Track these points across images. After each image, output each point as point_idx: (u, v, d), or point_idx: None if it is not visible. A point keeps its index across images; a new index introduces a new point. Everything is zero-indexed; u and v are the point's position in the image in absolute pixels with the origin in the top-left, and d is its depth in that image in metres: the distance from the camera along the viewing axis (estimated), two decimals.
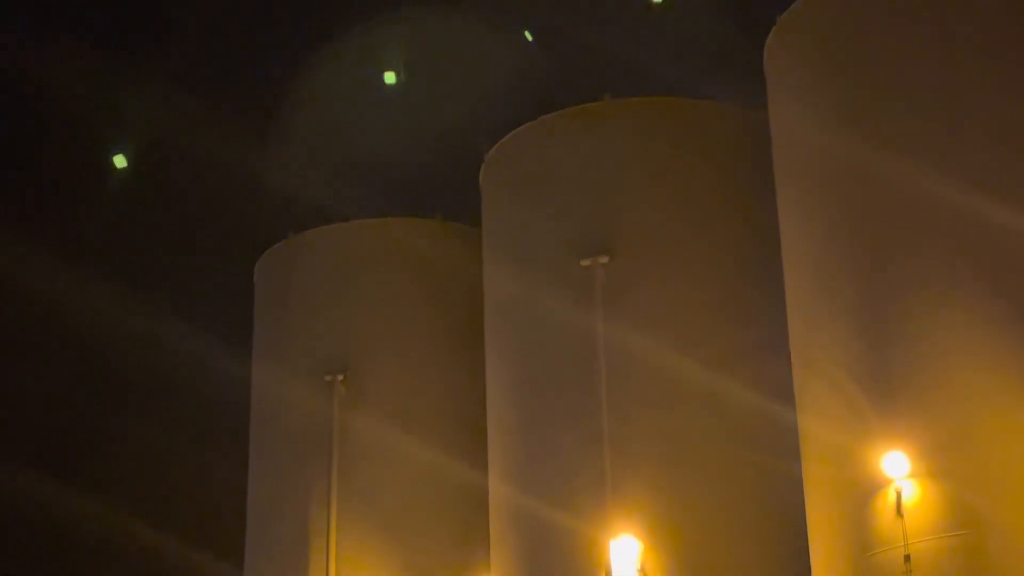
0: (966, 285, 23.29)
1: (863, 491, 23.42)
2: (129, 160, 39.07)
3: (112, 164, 39.00)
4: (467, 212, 32.70)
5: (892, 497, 23.08)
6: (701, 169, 28.96)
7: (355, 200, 34.43)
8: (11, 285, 37.71)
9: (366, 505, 31.14)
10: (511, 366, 29.49)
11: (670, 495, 26.92)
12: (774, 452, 26.95)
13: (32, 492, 37.03)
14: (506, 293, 30.02)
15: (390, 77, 32.83)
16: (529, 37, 28.73)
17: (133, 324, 38.13)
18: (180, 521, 36.92)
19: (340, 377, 31.79)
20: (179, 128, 38.47)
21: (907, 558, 22.69)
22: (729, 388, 27.32)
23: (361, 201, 34.45)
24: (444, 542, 31.19)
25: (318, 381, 31.95)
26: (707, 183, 28.91)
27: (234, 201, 39.52)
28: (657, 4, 35.59)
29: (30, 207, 41.77)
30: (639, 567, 26.46)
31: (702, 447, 27.28)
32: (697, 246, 28.50)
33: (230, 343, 35.79)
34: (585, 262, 28.15)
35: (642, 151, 29.03)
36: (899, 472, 23.02)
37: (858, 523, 23.43)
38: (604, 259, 28.06)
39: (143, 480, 38.62)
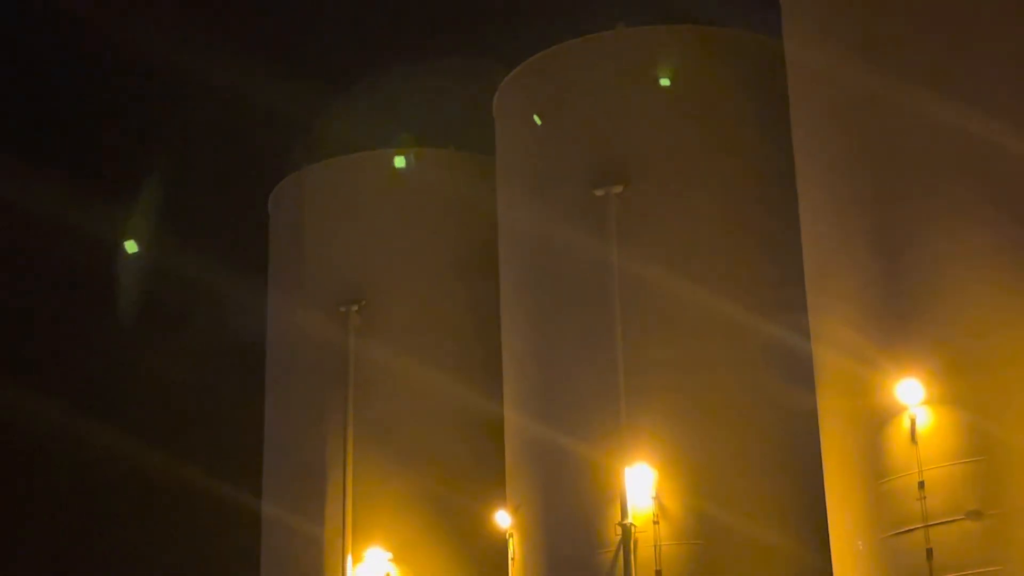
0: (980, 212, 23.07)
1: (877, 419, 23.33)
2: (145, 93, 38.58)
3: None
4: (479, 142, 32.62)
5: (906, 424, 23.00)
6: (716, 98, 28.73)
7: (368, 131, 34.11)
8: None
9: (382, 434, 31.24)
10: (525, 296, 29.43)
11: (684, 423, 26.91)
12: (789, 380, 26.89)
13: (52, 424, 36.95)
14: (520, 223, 29.92)
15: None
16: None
17: (150, 255, 37.79)
18: (198, 450, 36.91)
19: (355, 307, 31.83)
20: (195, 56, 38.22)
21: (921, 484, 22.64)
22: (744, 317, 27.29)
23: (374, 132, 34.09)
24: (460, 470, 31.33)
25: (333, 312, 32.01)
26: (722, 112, 28.71)
27: (249, 131, 39.31)
28: None
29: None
30: (654, 495, 26.51)
31: (716, 376, 27.24)
32: (712, 175, 28.33)
33: (244, 273, 35.86)
34: (599, 191, 28.06)
35: (656, 80, 28.83)
36: (913, 399, 22.93)
37: (872, 451, 23.38)
38: (618, 188, 27.98)
39: (160, 409, 38.54)
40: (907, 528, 22.57)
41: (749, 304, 27.32)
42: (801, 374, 25.88)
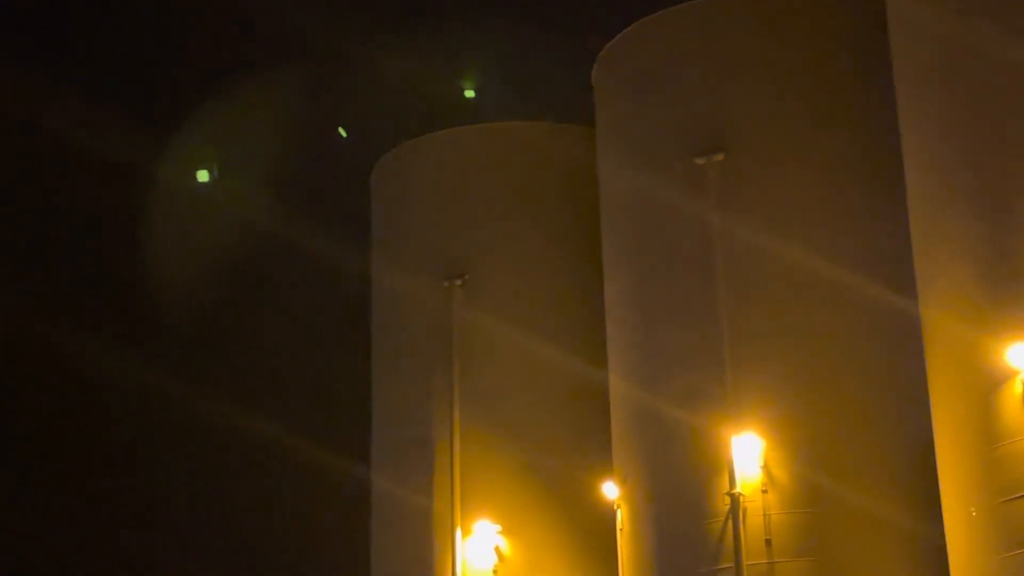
0: None
1: (989, 383, 22.96)
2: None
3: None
4: (579, 113, 32.54)
5: (1018, 388, 22.62)
6: (818, 62, 28.38)
7: (469, 106, 34.09)
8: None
9: (488, 407, 31.30)
10: (629, 265, 29.29)
11: (792, 391, 26.67)
12: (898, 346, 26.64)
13: (156, 389, 37.29)
14: (622, 192, 29.76)
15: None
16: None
17: (258, 222, 37.88)
18: (305, 419, 37.07)
19: (458, 282, 31.97)
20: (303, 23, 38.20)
21: None
22: (850, 282, 26.99)
23: (476, 106, 34.03)
24: (565, 442, 31.26)
25: (437, 286, 32.19)
26: (824, 76, 28.33)
27: (352, 103, 39.43)
28: None
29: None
30: (762, 464, 26.35)
31: (822, 343, 26.93)
32: (814, 141, 27.96)
33: (347, 244, 36.07)
34: (700, 160, 27.85)
35: (758, 46, 28.50)
36: None
37: (984, 416, 23.00)
38: (719, 156, 27.75)
39: (264, 377, 38.75)
40: (1020, 494, 22.27)
41: (854, 270, 27.03)
42: (909, 340, 25.66)
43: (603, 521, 29.47)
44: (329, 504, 36.00)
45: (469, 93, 32.79)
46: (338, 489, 35.42)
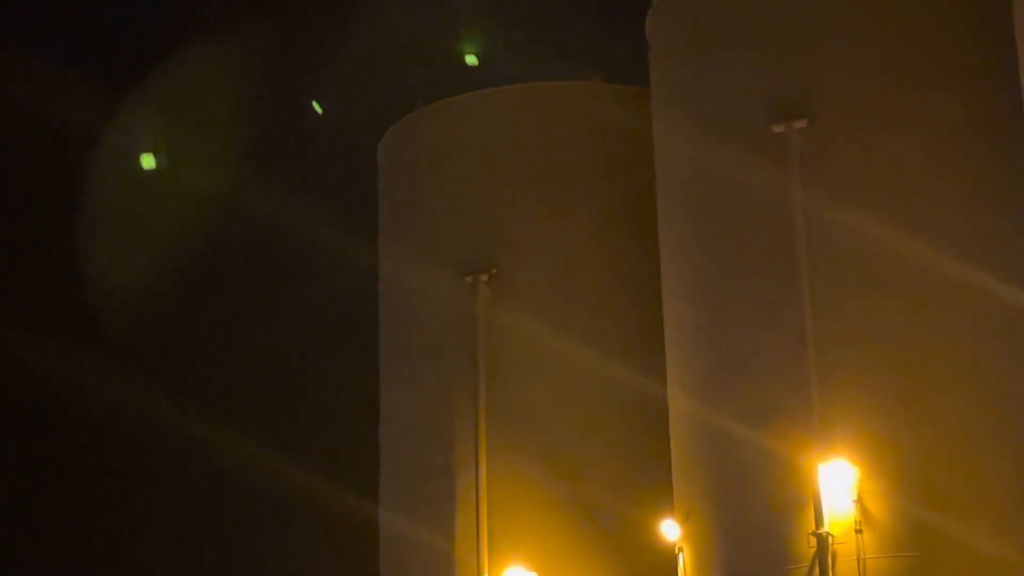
0: None
1: None
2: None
3: None
4: (629, 72, 30.30)
5: None
6: (925, 11, 25.96)
7: (497, 63, 30.95)
8: None
9: (520, 429, 28.85)
10: (691, 253, 26.94)
11: (892, 408, 24.34)
12: (1016, 355, 24.31)
13: (131, 410, 34.39)
14: (683, 165, 27.45)
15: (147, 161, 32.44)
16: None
17: (246, 205, 35.09)
18: (303, 443, 34.05)
19: (484, 277, 29.20)
20: None
21: None
22: (961, 275, 24.56)
23: (505, 64, 30.98)
24: (615, 471, 28.88)
25: (459, 281, 29.56)
26: (932, 28, 25.93)
27: (356, 66, 36.74)
28: None
29: None
30: (855, 497, 24.07)
31: (930, 349, 24.56)
32: (918, 105, 25.58)
33: (348, 232, 33.71)
34: (779, 127, 25.47)
35: None
36: None
37: None
38: (801, 123, 25.33)
39: (256, 390, 36.18)
40: None
41: (966, 260, 24.52)
42: None
43: (662, 567, 27.24)
44: (328, 548, 32.82)
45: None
46: (340, 529, 33.10)
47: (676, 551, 26.61)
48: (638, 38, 29.17)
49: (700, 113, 27.10)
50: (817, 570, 23.74)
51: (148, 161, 35.32)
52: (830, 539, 23.79)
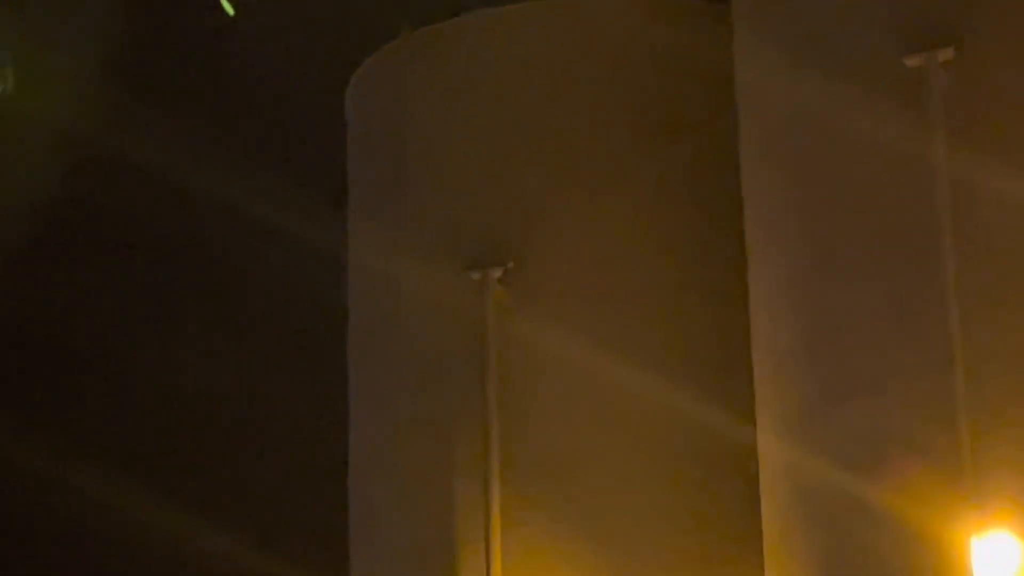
0: None
1: None
2: None
3: None
4: None
5: None
6: None
7: None
8: None
9: (546, 481, 22.53)
10: (785, 233, 21.21)
11: None
12: None
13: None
14: (779, 111, 21.56)
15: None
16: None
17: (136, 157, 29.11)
18: (240, 508, 28.31)
19: (497, 272, 23.00)
20: None
21: None
22: None
23: None
24: (679, 533, 22.71)
25: (462, 278, 23.21)
26: None
27: None
28: None
29: None
30: None
31: None
32: None
33: (300, 207, 27.49)
34: (912, 60, 19.87)
35: None
36: None
37: None
38: (946, 54, 19.78)
39: (182, 430, 29.88)
40: None
41: None
42: None
43: None
44: None
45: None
46: None
47: None
48: None
49: (805, 39, 21.38)
50: None
51: None
52: None
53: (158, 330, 29.36)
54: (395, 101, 25.65)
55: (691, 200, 23.72)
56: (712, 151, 23.22)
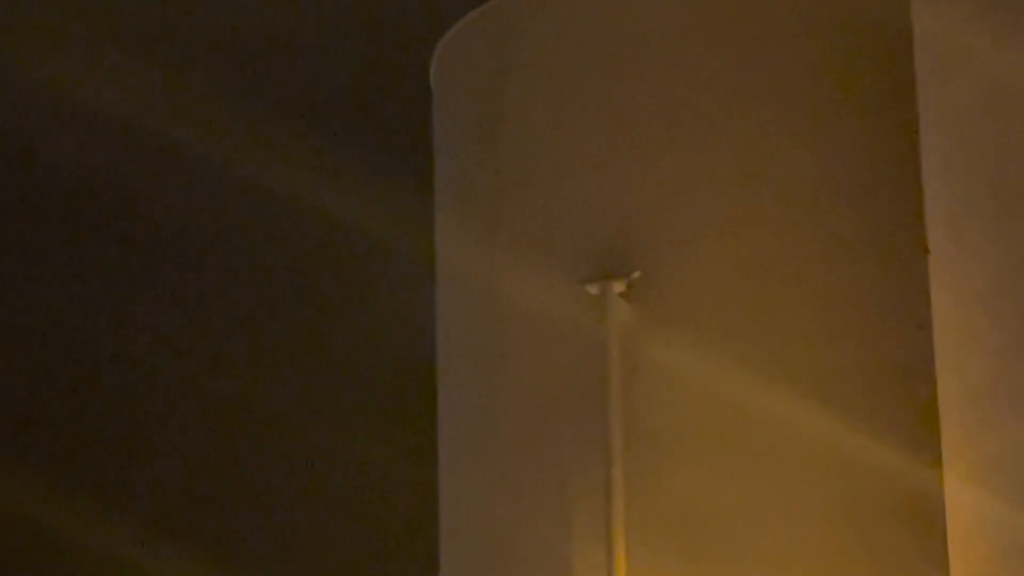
0: None
1: None
2: None
3: None
4: None
5: None
6: None
7: None
8: None
9: (684, 540, 18.17)
10: (980, 237, 17.41)
11: None
12: None
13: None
14: (974, 88, 17.45)
15: None
16: None
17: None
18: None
19: (620, 284, 18.94)
20: None
21: None
22: None
23: None
24: None
25: (577, 291, 19.05)
26: None
27: None
28: None
29: None
30: None
31: None
32: None
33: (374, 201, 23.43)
34: None
35: None
36: None
37: None
38: None
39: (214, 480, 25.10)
40: None
41: None
42: None
43: None
44: None
45: None
46: None
47: None
48: None
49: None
50: None
51: None
52: None
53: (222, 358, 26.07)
54: (493, 74, 21.27)
55: (859, 195, 18.96)
56: (886, 135, 18.65)
